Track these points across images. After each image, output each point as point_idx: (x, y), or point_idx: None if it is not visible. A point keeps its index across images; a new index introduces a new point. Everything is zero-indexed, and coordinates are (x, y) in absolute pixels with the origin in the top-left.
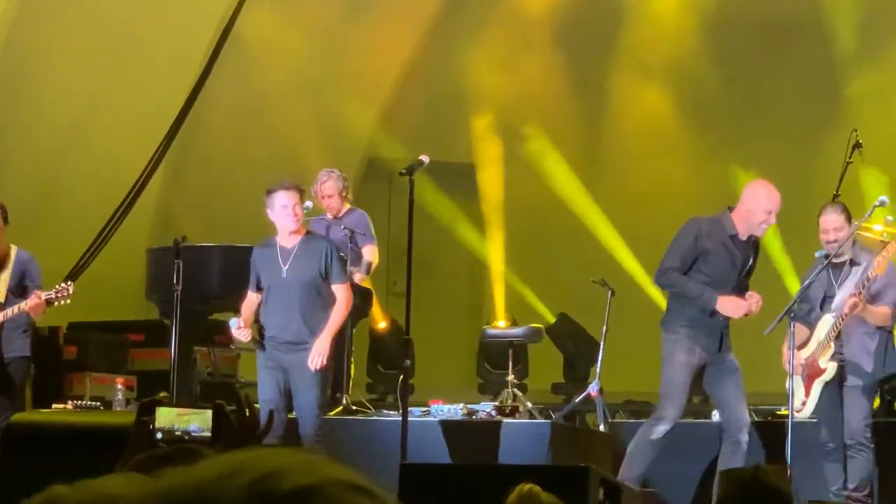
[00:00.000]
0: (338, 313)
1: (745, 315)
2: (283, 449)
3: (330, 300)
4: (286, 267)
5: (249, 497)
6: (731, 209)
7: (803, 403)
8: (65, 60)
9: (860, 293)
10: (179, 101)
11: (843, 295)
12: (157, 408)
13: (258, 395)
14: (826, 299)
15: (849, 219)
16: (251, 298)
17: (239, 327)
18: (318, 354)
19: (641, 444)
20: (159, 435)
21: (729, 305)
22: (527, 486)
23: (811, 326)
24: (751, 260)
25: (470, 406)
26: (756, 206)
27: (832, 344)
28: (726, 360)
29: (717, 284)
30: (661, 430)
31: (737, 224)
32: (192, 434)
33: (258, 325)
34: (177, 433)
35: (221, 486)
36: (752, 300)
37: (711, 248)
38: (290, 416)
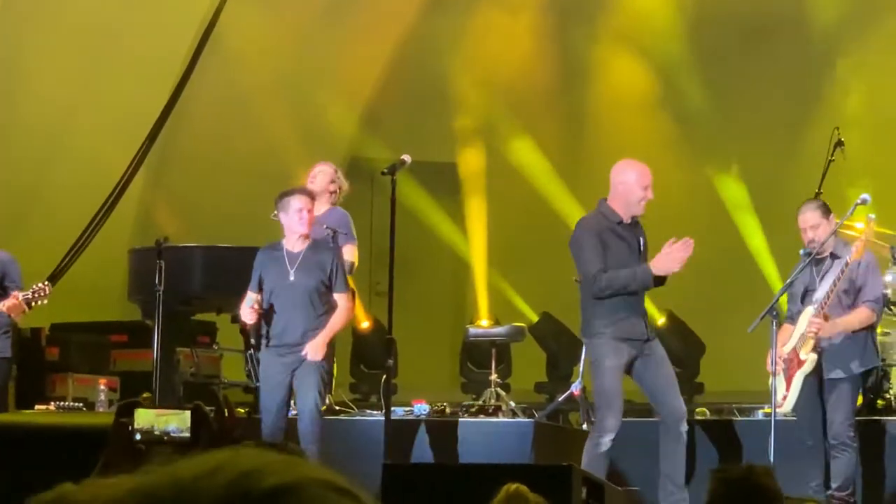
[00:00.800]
0: (339, 317)
1: (683, 263)
2: (262, 449)
3: (330, 308)
4: (293, 270)
5: (228, 495)
6: (604, 199)
7: (784, 398)
8: (46, 61)
9: (822, 313)
10: (161, 102)
11: (825, 288)
12: (135, 409)
13: (260, 403)
14: (807, 293)
15: (826, 214)
16: (251, 297)
17: (253, 307)
18: (315, 349)
19: (593, 459)
20: (138, 436)
21: (662, 262)
22: (513, 486)
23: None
24: (641, 240)
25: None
26: (631, 186)
27: (812, 338)
28: (654, 350)
29: None
30: (606, 441)
31: (618, 210)
32: (171, 434)
33: (258, 327)
34: (156, 434)
35: (201, 484)
36: (677, 243)
37: (608, 240)
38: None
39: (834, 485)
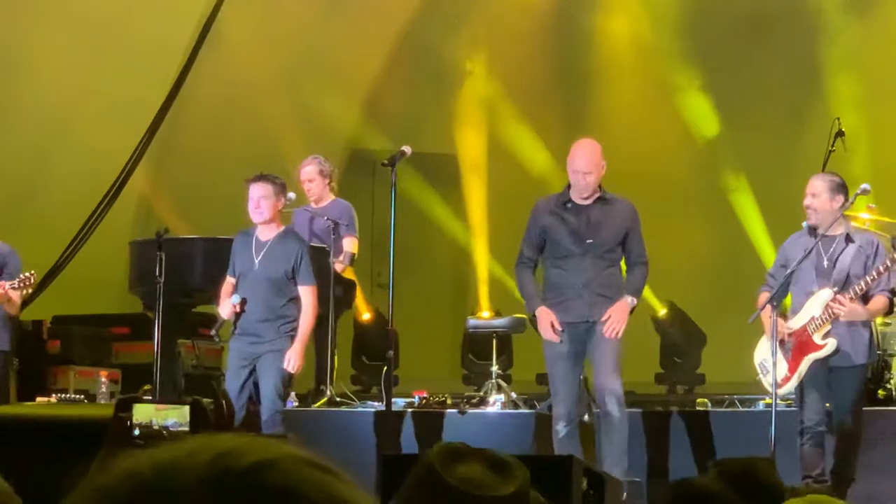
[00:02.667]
0: (306, 319)
1: (553, 336)
2: (241, 434)
3: (295, 300)
4: (258, 259)
5: (208, 474)
6: None
7: (786, 379)
8: (47, 53)
9: (849, 296)
10: (162, 94)
11: (844, 271)
12: (134, 404)
13: (227, 387)
14: (820, 272)
15: (833, 190)
16: (230, 282)
17: (234, 306)
18: (293, 358)
19: (558, 446)
20: (137, 431)
21: (540, 323)
22: None
23: (784, 293)
24: (590, 219)
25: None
26: (569, 168)
27: (829, 322)
28: (598, 330)
29: (565, 262)
30: (559, 429)
31: (571, 190)
32: (170, 428)
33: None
34: (155, 428)
35: (181, 464)
36: (555, 331)
37: (547, 222)
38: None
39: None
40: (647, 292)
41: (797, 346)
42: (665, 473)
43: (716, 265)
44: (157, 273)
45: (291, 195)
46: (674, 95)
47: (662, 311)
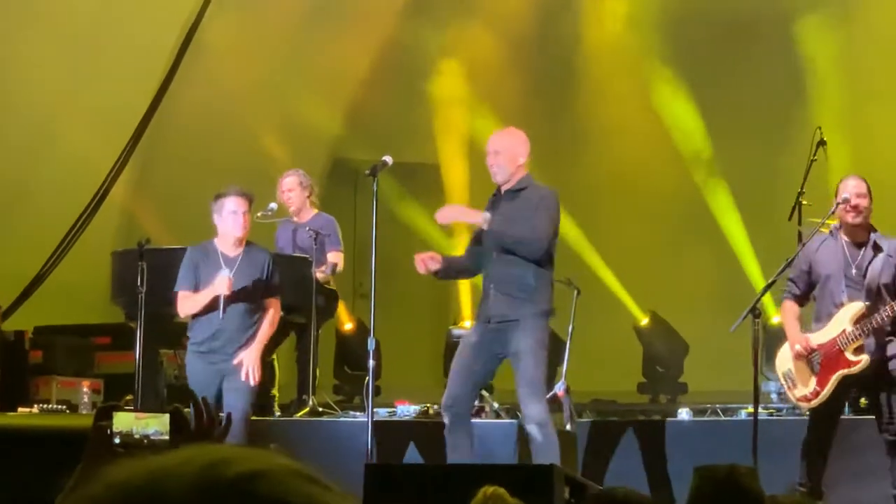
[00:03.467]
0: (269, 326)
1: (464, 213)
2: (231, 444)
3: (261, 312)
4: (231, 275)
5: (199, 483)
6: None
7: (815, 393)
8: (29, 62)
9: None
10: (145, 103)
11: (873, 281)
12: (114, 412)
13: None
14: (849, 280)
15: (870, 190)
16: (186, 294)
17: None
18: (250, 367)
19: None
20: (117, 440)
21: (446, 212)
22: (491, 489)
23: (803, 302)
24: (501, 212)
25: (437, 406)
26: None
27: (863, 337)
28: (509, 340)
29: (484, 258)
30: (445, 419)
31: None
32: (151, 437)
33: (192, 338)
34: (135, 437)
35: (172, 473)
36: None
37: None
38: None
39: None
40: (629, 301)
41: (826, 361)
42: (647, 483)
43: (698, 274)
44: (139, 283)
45: (273, 205)
46: (656, 103)
47: (644, 321)
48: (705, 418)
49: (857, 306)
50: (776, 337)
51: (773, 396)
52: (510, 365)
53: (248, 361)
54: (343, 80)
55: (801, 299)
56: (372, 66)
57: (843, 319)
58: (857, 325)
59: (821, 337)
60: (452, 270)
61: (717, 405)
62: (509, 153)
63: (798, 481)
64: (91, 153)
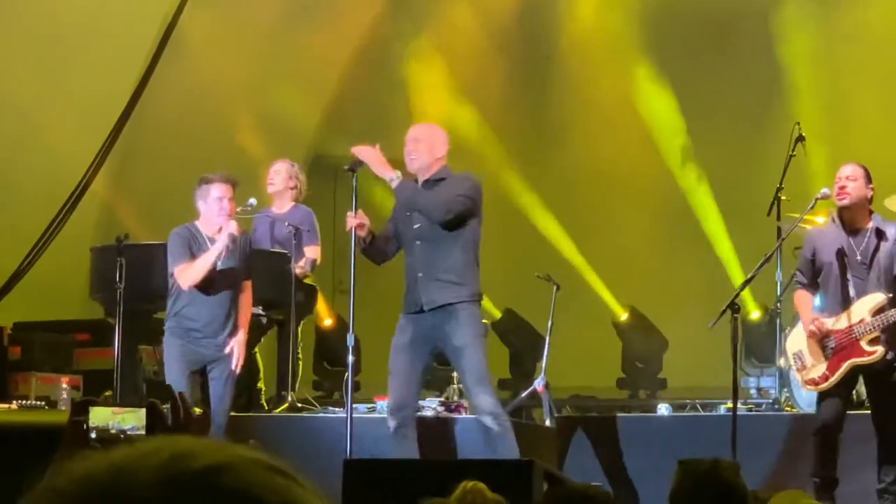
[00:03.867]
0: (246, 310)
1: (379, 161)
2: (196, 436)
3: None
4: (220, 261)
5: (163, 475)
6: None
7: (824, 378)
8: (8, 56)
9: None
10: (123, 99)
11: (888, 271)
12: (90, 407)
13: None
14: (853, 267)
15: (867, 177)
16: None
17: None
18: (241, 355)
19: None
20: (94, 434)
21: (365, 151)
22: (470, 484)
23: (814, 290)
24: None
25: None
26: None
27: (880, 330)
28: (449, 332)
29: (407, 248)
30: (389, 424)
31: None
32: (128, 432)
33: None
34: (112, 432)
35: (136, 466)
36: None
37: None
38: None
39: (888, 478)
40: (609, 297)
41: (840, 348)
42: (623, 477)
43: (677, 269)
44: (118, 279)
45: (252, 200)
46: (636, 98)
47: (624, 316)
48: (684, 413)
49: (877, 298)
50: (755, 332)
51: (753, 392)
52: (450, 359)
53: (240, 348)
54: (323, 75)
55: (812, 287)
56: (351, 59)
57: (863, 309)
58: (876, 317)
59: (838, 323)
60: (374, 248)
61: (697, 400)
62: (429, 143)
63: (811, 473)
64: (70, 148)
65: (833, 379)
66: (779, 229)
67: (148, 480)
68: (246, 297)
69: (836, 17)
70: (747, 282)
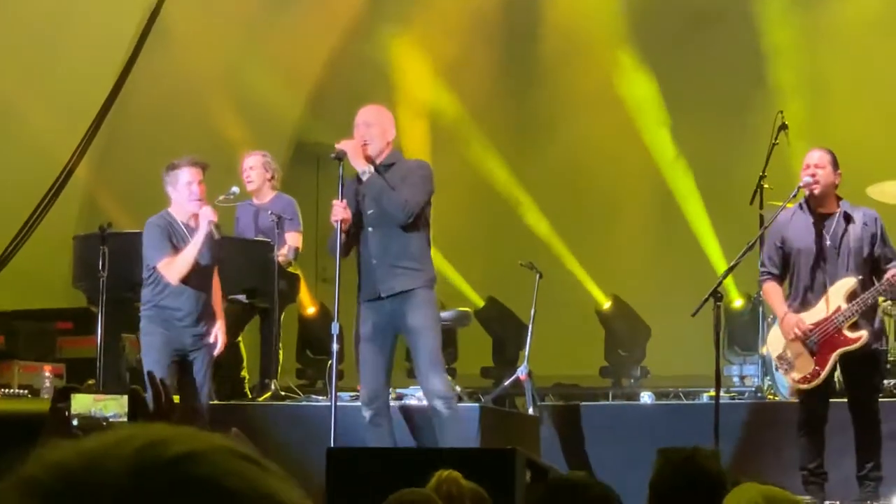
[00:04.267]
0: (219, 296)
1: (356, 153)
2: (170, 424)
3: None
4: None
5: (135, 464)
6: None
7: (815, 373)
8: None
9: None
10: (106, 87)
11: (858, 254)
12: (72, 394)
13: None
14: (822, 253)
15: (835, 163)
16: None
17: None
18: (223, 341)
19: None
20: (76, 421)
21: (347, 143)
22: (445, 473)
23: (782, 280)
24: (373, 183)
25: (399, 390)
26: None
27: (859, 314)
28: (404, 316)
29: (362, 234)
30: (364, 415)
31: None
32: (110, 419)
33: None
34: (94, 419)
35: (108, 454)
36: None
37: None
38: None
39: (869, 464)
40: (592, 285)
41: (824, 340)
42: (607, 465)
43: (660, 257)
44: (101, 267)
45: (235, 189)
46: (619, 87)
47: (607, 304)
48: (667, 402)
49: (849, 282)
50: (737, 320)
51: (735, 380)
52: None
53: (221, 335)
54: (305, 62)
55: (780, 278)
56: (334, 47)
57: (837, 296)
58: (853, 303)
59: (814, 315)
60: (350, 238)
61: (679, 389)
62: (380, 127)
63: (799, 466)
64: (53, 137)
65: (824, 373)
66: (761, 217)
67: (119, 470)
68: (217, 283)
69: (818, 6)
70: (730, 270)
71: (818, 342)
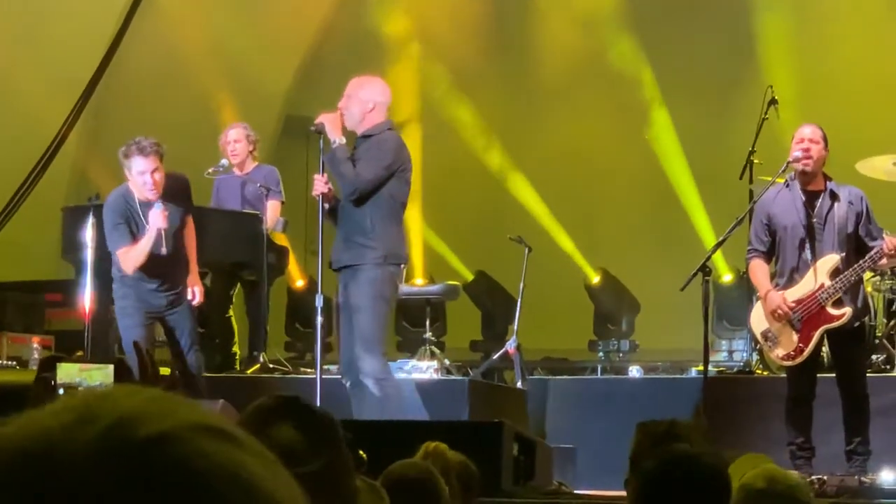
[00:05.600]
0: (193, 247)
1: (338, 118)
2: (136, 389)
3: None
4: (163, 209)
5: (102, 446)
6: None
7: (799, 350)
8: None
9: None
10: (96, 60)
11: (841, 231)
12: (57, 363)
13: (123, 344)
14: (809, 230)
15: (825, 139)
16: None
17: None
18: (196, 290)
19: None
20: (61, 391)
21: (328, 120)
22: (433, 445)
23: (770, 258)
24: (358, 151)
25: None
26: None
27: (842, 291)
28: (348, 291)
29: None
30: (345, 384)
31: None
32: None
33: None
34: (79, 388)
35: (71, 435)
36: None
37: None
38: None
39: (857, 439)
40: (581, 259)
41: (808, 317)
42: (592, 439)
43: (649, 232)
44: (89, 239)
45: (224, 162)
46: (609, 65)
47: (596, 279)
48: (656, 376)
49: (833, 259)
50: (726, 295)
51: (724, 354)
52: None
53: (196, 284)
54: (294, 36)
55: (768, 255)
56: (325, 22)
57: (820, 273)
58: (836, 280)
59: (797, 292)
60: (335, 212)
61: (668, 362)
62: (358, 98)
63: (787, 441)
64: (42, 108)
65: (808, 350)
66: (751, 192)
67: (83, 454)
68: (191, 234)
69: None
70: (718, 244)
71: (802, 319)
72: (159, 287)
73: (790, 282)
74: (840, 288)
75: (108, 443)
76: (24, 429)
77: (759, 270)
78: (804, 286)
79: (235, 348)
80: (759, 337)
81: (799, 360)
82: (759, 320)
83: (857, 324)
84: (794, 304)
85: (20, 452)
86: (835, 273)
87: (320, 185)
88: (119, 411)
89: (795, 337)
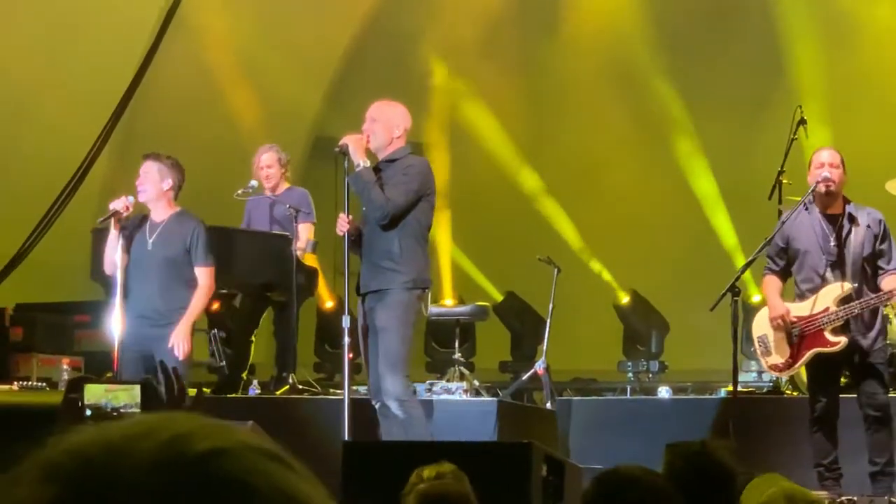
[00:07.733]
0: (198, 299)
1: (363, 140)
2: (195, 414)
3: (192, 282)
4: (151, 240)
5: (160, 458)
6: None
7: (787, 364)
8: (9, 40)
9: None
10: (126, 79)
11: (856, 258)
12: (85, 384)
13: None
14: (827, 252)
15: (843, 161)
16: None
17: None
18: (180, 342)
19: None
20: (88, 412)
21: (352, 142)
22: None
23: (785, 277)
24: (383, 175)
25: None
26: None
27: (843, 320)
28: (372, 315)
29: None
30: (374, 405)
31: None
32: (122, 410)
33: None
34: (106, 409)
35: (132, 446)
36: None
37: None
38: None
39: (881, 460)
40: (611, 280)
41: (805, 335)
42: (626, 460)
43: (678, 252)
44: (118, 261)
45: (253, 183)
46: (637, 82)
47: (625, 299)
48: (685, 397)
49: (845, 287)
50: (755, 316)
51: (753, 375)
52: None
53: (176, 336)
54: (324, 57)
55: (782, 275)
56: (354, 42)
57: (828, 298)
58: (841, 307)
59: (802, 310)
60: (357, 242)
61: (697, 383)
62: (385, 122)
63: (814, 462)
64: (72, 130)
65: (796, 365)
66: (780, 213)
67: (141, 463)
68: (201, 286)
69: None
70: (748, 265)
71: (799, 335)
72: (145, 316)
73: (802, 301)
74: (843, 316)
75: (165, 454)
76: (88, 437)
77: (771, 284)
78: (810, 306)
79: (245, 374)
80: (755, 340)
81: (787, 373)
82: (759, 325)
83: (878, 345)
84: (795, 319)
85: (83, 457)
86: (843, 300)
87: (343, 224)
88: (178, 428)
89: (789, 350)
